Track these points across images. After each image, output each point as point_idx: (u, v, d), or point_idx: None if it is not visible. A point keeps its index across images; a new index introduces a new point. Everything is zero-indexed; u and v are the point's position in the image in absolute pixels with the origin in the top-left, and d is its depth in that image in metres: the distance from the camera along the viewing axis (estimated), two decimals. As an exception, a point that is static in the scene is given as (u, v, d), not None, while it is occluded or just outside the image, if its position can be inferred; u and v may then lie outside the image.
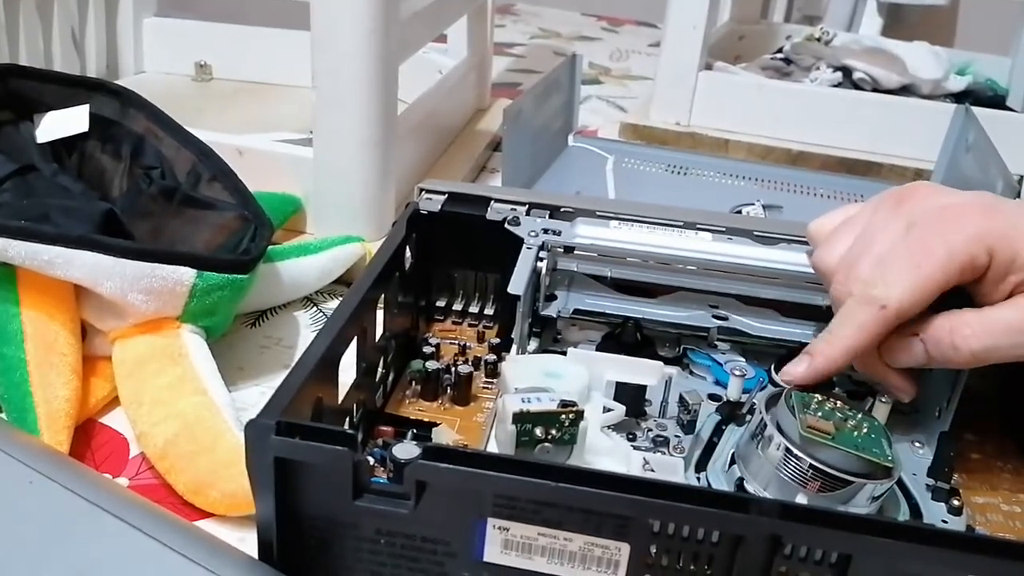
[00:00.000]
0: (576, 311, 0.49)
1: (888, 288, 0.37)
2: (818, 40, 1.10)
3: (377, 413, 0.43)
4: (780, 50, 1.08)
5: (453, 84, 0.80)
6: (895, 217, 0.39)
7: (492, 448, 0.38)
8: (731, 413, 0.43)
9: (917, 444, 0.43)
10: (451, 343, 0.50)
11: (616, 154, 0.81)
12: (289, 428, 0.30)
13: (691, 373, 0.48)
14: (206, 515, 0.40)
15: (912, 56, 0.98)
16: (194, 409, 0.41)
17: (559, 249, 0.48)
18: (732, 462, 0.40)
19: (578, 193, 0.71)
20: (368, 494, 0.31)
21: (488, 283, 0.51)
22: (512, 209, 0.49)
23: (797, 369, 0.40)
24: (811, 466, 0.35)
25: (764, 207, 0.71)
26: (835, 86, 0.95)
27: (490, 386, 0.46)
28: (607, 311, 0.49)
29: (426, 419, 0.43)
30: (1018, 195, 0.65)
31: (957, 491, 0.40)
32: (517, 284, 0.43)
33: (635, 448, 0.41)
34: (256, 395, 0.48)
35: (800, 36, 1.12)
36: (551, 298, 0.49)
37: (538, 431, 0.35)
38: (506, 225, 0.48)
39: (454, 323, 0.52)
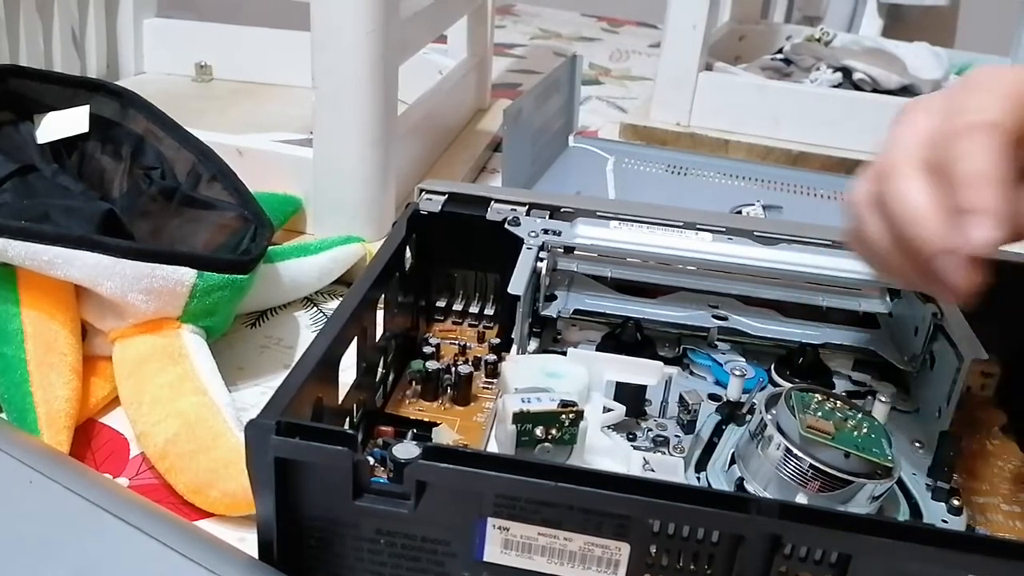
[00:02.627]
0: (576, 311, 0.49)
1: (982, 111, 0.33)
2: (818, 40, 1.10)
3: (377, 413, 0.43)
4: (780, 50, 1.08)
5: (453, 84, 0.80)
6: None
7: (492, 448, 0.38)
8: (731, 413, 0.43)
9: (917, 444, 0.43)
10: (451, 343, 0.50)
11: (616, 154, 0.81)
12: (289, 428, 0.30)
13: (691, 373, 0.48)
14: (206, 515, 0.40)
15: (912, 56, 0.98)
16: (194, 409, 0.41)
17: (559, 249, 0.49)
18: (732, 462, 0.40)
19: (578, 193, 0.71)
20: (368, 494, 0.31)
21: (488, 283, 0.51)
22: (512, 209, 0.49)
23: (981, 234, 0.31)
24: (811, 466, 0.35)
25: (764, 207, 0.71)
26: (835, 86, 0.95)
27: (490, 386, 0.46)
28: (607, 311, 0.49)
29: (426, 419, 0.43)
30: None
31: (957, 491, 0.40)
32: (517, 284, 0.43)
33: (635, 448, 0.41)
34: (256, 395, 0.48)
35: (800, 36, 1.12)
36: (551, 298, 0.49)
37: (538, 431, 0.35)
38: (506, 225, 0.48)
39: (454, 323, 0.52)
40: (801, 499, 0.36)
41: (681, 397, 0.43)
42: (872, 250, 0.36)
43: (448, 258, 0.51)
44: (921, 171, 0.34)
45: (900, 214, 0.34)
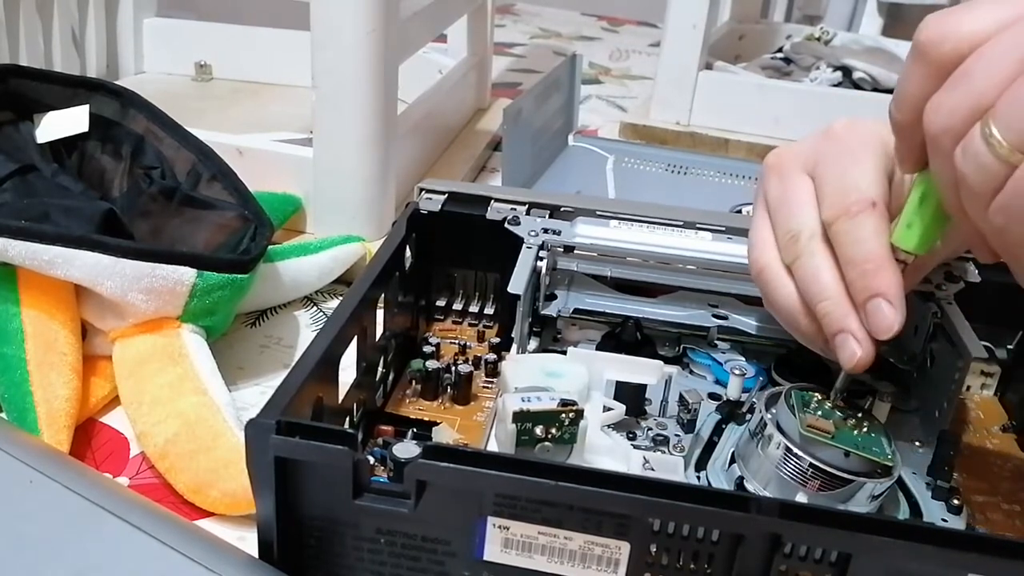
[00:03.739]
0: (576, 310, 0.49)
1: (861, 190, 0.36)
2: (818, 40, 1.10)
3: (377, 412, 0.43)
4: (780, 50, 1.08)
5: (453, 84, 0.80)
6: None
7: (492, 447, 0.38)
8: (731, 412, 0.43)
9: (917, 443, 0.43)
10: (451, 342, 0.50)
11: (616, 154, 0.81)
12: (289, 427, 0.30)
13: (691, 372, 0.48)
14: (206, 514, 0.40)
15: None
16: (194, 408, 0.41)
17: (559, 249, 0.48)
18: (732, 461, 0.40)
19: (578, 193, 0.71)
20: (368, 493, 0.31)
21: (488, 283, 0.51)
22: (512, 209, 0.49)
23: (884, 317, 0.34)
24: (811, 465, 0.35)
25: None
26: (835, 86, 0.95)
27: (490, 385, 0.46)
28: (607, 310, 0.49)
29: (426, 418, 0.43)
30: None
31: (957, 490, 0.40)
32: (517, 284, 0.43)
33: (635, 447, 0.41)
34: (256, 394, 0.48)
35: (800, 36, 1.12)
36: (551, 297, 0.49)
37: (538, 430, 0.35)
38: (506, 225, 0.48)
39: (454, 322, 0.52)
40: (801, 498, 0.36)
41: (681, 396, 0.43)
42: (783, 312, 0.39)
43: (448, 257, 0.51)
44: (825, 247, 0.37)
45: (811, 292, 0.37)
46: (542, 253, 0.46)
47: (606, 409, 0.41)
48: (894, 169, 0.36)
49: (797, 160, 0.39)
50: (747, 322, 0.49)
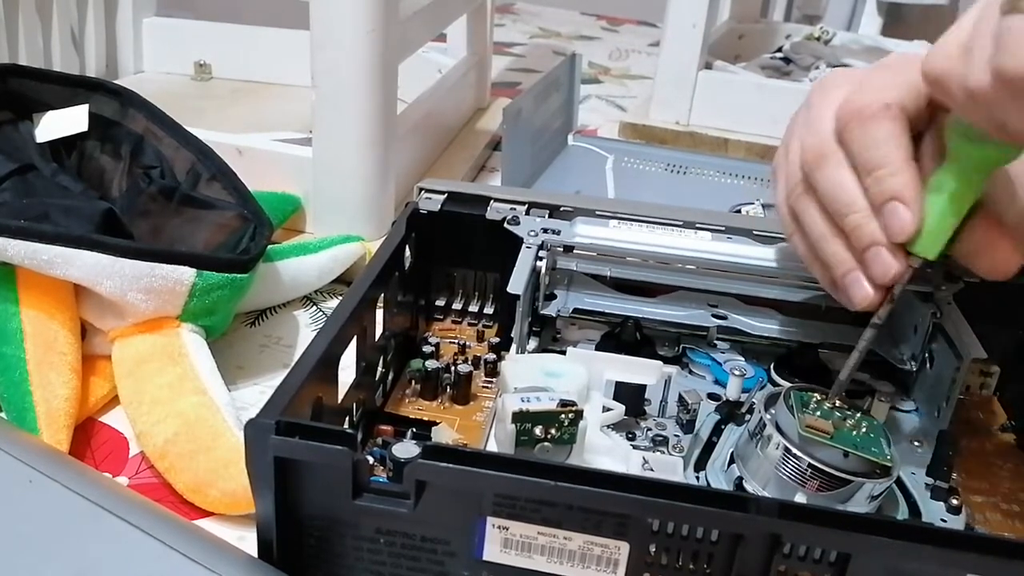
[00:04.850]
0: (576, 310, 0.49)
1: (884, 90, 0.35)
2: (818, 39, 1.10)
3: (377, 412, 0.43)
4: (780, 49, 1.08)
5: (453, 83, 0.80)
6: None
7: (492, 447, 0.38)
8: (730, 412, 0.43)
9: (916, 443, 0.43)
10: (451, 342, 0.50)
11: (616, 153, 0.81)
12: (289, 427, 0.30)
13: (690, 372, 0.48)
14: (206, 514, 0.40)
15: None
16: (194, 408, 0.41)
17: (559, 248, 0.48)
18: (731, 461, 0.40)
19: (578, 192, 0.71)
20: (368, 493, 0.31)
21: (487, 282, 0.51)
22: (512, 208, 0.49)
23: (902, 220, 0.34)
24: (810, 465, 0.35)
25: (763, 206, 0.71)
26: (835, 85, 0.95)
27: (489, 385, 0.46)
28: (607, 310, 0.49)
29: (426, 418, 0.43)
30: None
31: (956, 490, 0.40)
32: (516, 283, 0.43)
33: (634, 447, 0.41)
34: (256, 394, 0.48)
35: (800, 35, 1.12)
36: (550, 297, 0.49)
37: (537, 430, 0.35)
38: (506, 224, 0.48)
39: (454, 322, 0.52)
40: (800, 498, 0.36)
41: (680, 396, 0.43)
42: (808, 234, 0.38)
43: (447, 257, 0.51)
44: (847, 159, 0.36)
45: (835, 205, 0.36)
46: (541, 253, 0.47)
47: (605, 409, 0.41)
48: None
49: (842, 77, 0.38)
50: (746, 322, 0.49)
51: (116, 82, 0.57)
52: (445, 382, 0.45)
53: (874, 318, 0.38)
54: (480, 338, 0.50)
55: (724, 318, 0.49)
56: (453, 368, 0.45)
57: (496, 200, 0.49)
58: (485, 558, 0.31)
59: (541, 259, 0.46)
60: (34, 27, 0.73)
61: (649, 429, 0.43)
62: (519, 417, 0.35)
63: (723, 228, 0.49)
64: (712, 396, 0.46)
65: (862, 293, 0.36)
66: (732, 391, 0.44)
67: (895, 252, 0.35)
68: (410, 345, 0.48)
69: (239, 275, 0.47)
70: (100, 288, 0.44)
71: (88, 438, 0.44)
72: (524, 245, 0.46)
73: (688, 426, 0.43)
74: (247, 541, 0.37)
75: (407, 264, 0.47)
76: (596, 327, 0.51)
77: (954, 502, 0.39)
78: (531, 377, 0.39)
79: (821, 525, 0.28)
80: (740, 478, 0.38)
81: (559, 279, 0.50)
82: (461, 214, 0.49)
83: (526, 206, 0.49)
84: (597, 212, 0.49)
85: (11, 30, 0.70)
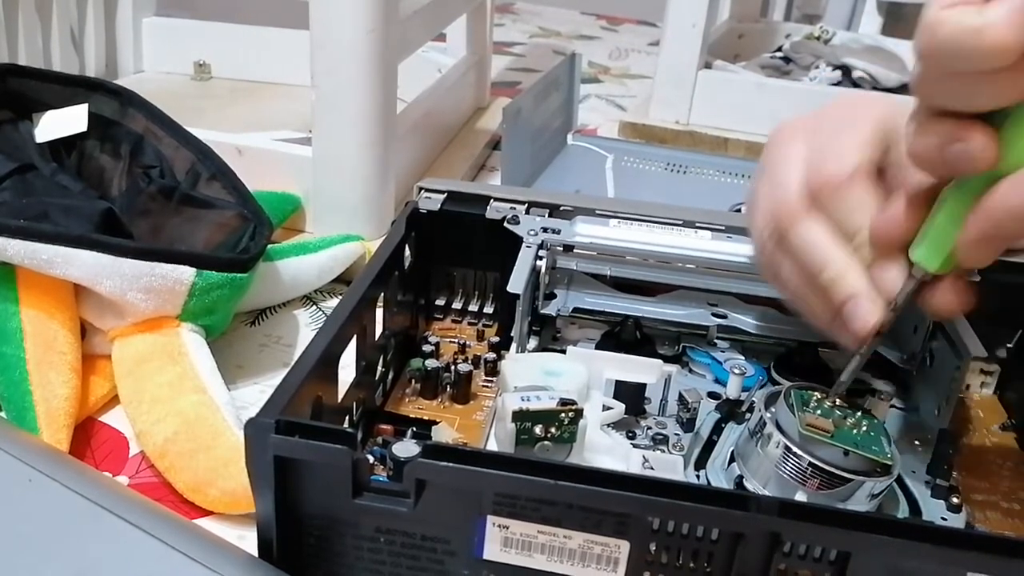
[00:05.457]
0: (576, 309, 0.49)
1: (847, 157, 0.36)
2: (817, 39, 1.10)
3: (377, 411, 0.43)
4: (779, 49, 1.08)
5: (452, 83, 0.80)
6: None
7: (492, 446, 0.38)
8: (730, 411, 0.43)
9: (916, 442, 0.43)
10: (451, 341, 0.50)
11: (615, 152, 0.81)
12: (289, 427, 0.30)
13: (690, 371, 0.48)
14: (206, 513, 0.40)
15: (912, 54, 0.98)
16: (194, 407, 0.41)
17: (558, 248, 0.49)
18: (731, 460, 0.40)
19: (577, 192, 0.71)
20: (368, 492, 0.31)
21: (487, 282, 0.51)
22: (511, 208, 0.49)
23: (890, 277, 0.34)
24: (810, 464, 0.35)
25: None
26: (834, 85, 0.95)
27: (490, 384, 0.46)
28: (606, 309, 0.49)
29: (426, 417, 0.43)
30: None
31: (956, 488, 0.40)
32: (516, 283, 0.43)
33: (635, 446, 0.41)
34: (255, 393, 0.48)
35: (800, 35, 1.12)
36: (550, 296, 0.49)
37: (537, 429, 0.35)
38: (505, 224, 0.48)
39: (454, 322, 0.52)
40: (800, 497, 0.36)
41: (680, 395, 0.43)
42: (786, 287, 0.39)
43: (447, 256, 0.51)
44: (818, 215, 0.36)
45: (809, 266, 0.37)
46: (541, 252, 0.47)
47: (605, 408, 0.41)
48: (895, 141, 0.36)
49: (796, 130, 0.39)
50: (746, 321, 0.49)
51: (116, 82, 0.57)
52: (445, 381, 0.45)
53: None
54: (480, 337, 0.50)
55: (724, 317, 0.49)
56: (453, 367, 0.45)
57: (496, 199, 0.49)
58: (485, 557, 0.31)
59: (541, 258, 0.46)
60: (34, 27, 0.73)
61: (649, 428, 0.43)
62: (519, 416, 0.35)
63: (723, 227, 0.49)
64: (712, 395, 0.46)
65: (850, 339, 0.36)
66: (732, 390, 0.44)
67: (873, 301, 0.35)
68: (410, 344, 0.48)
69: (239, 274, 0.47)
70: (100, 287, 0.44)
71: (88, 437, 0.44)
72: (524, 244, 0.46)
73: (688, 425, 0.43)
74: (247, 540, 0.37)
75: (407, 263, 0.47)
76: (596, 326, 0.51)
77: (954, 501, 0.39)
78: (531, 376, 0.39)
79: (821, 523, 0.28)
80: (740, 477, 0.38)
81: (559, 278, 0.50)
82: (461, 213, 0.49)
83: (526, 205, 0.49)
84: (597, 211, 0.49)
85: (11, 30, 0.70)
